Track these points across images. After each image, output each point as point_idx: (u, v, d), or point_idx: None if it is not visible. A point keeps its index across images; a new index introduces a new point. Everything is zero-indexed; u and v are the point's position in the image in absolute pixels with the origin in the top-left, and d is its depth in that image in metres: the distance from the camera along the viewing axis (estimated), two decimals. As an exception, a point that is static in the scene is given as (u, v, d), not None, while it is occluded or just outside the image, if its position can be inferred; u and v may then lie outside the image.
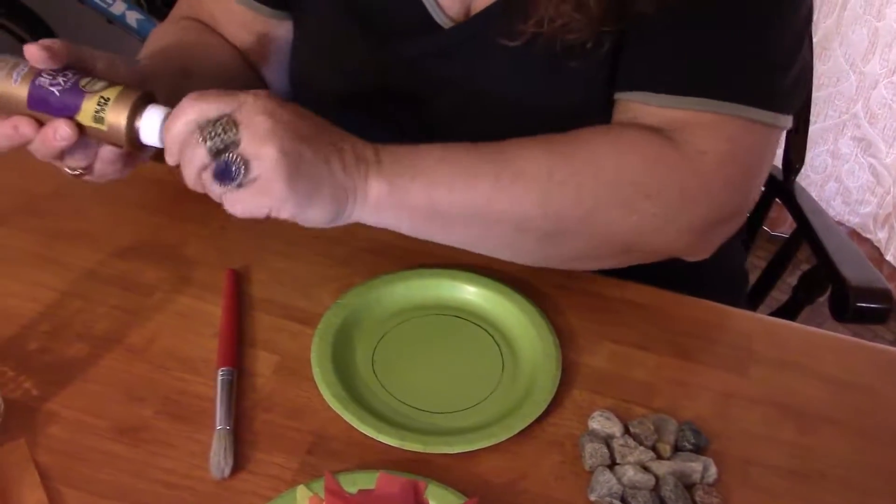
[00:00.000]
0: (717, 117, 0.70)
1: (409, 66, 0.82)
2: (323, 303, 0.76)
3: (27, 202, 0.85)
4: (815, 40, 0.76)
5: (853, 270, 0.98)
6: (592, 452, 0.66)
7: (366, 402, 0.69)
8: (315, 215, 0.66)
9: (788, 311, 1.12)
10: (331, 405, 0.67)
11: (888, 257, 2.18)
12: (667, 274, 0.78)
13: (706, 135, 0.70)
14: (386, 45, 0.83)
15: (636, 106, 0.73)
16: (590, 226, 0.71)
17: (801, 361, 0.76)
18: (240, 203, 0.64)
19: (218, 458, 0.63)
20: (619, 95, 0.75)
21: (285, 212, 0.65)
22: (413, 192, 0.68)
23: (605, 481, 0.64)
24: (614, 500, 0.63)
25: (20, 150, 0.67)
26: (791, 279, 1.16)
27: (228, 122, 0.62)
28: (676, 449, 0.68)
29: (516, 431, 0.67)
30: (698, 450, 0.68)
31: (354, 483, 0.62)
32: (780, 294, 1.37)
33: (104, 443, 0.65)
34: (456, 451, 0.65)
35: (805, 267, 1.10)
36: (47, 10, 2.02)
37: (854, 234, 2.27)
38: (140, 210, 0.85)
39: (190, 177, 0.64)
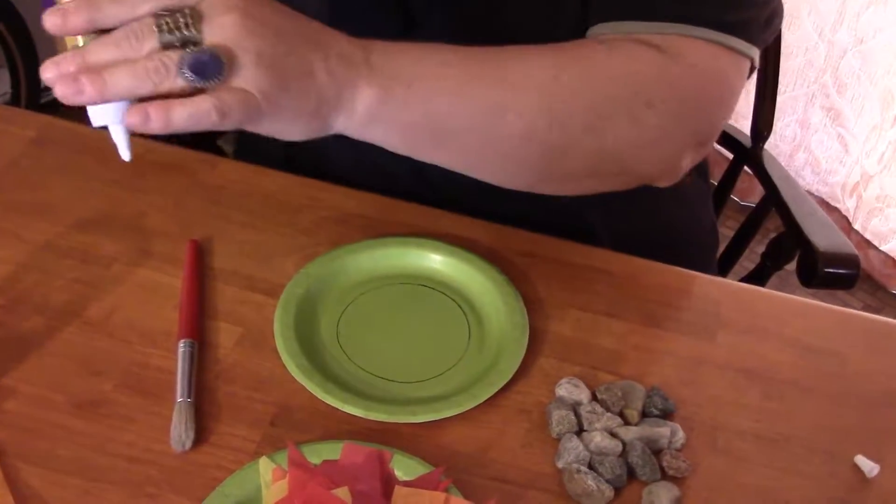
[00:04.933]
0: (700, 42, 0.68)
1: None
2: (286, 273, 0.75)
3: (-19, 174, 0.83)
4: (784, 8, 0.75)
5: (821, 236, 0.98)
6: (559, 420, 0.65)
7: (330, 372, 0.68)
8: (292, 130, 0.58)
9: (756, 277, 1.12)
10: (294, 376, 0.66)
11: (856, 226, 2.20)
12: (637, 235, 0.77)
13: (695, 51, 0.68)
14: None
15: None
16: (594, 137, 0.66)
17: (769, 326, 0.76)
18: (191, 106, 0.53)
19: (179, 431, 0.62)
20: (600, 27, 0.70)
21: (256, 126, 0.56)
22: (409, 102, 0.60)
23: (572, 448, 0.64)
24: (582, 467, 0.63)
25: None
26: (759, 248, 1.16)
27: (191, 15, 0.51)
28: (644, 415, 0.67)
29: (483, 400, 0.66)
30: (666, 415, 0.67)
31: (318, 454, 0.61)
32: (748, 263, 1.37)
33: (63, 417, 0.64)
34: (421, 421, 0.65)
35: (773, 236, 1.10)
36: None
37: (823, 203, 2.28)
38: (98, 181, 0.83)
39: (111, 61, 0.52)
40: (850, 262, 0.95)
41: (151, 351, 0.69)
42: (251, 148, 0.81)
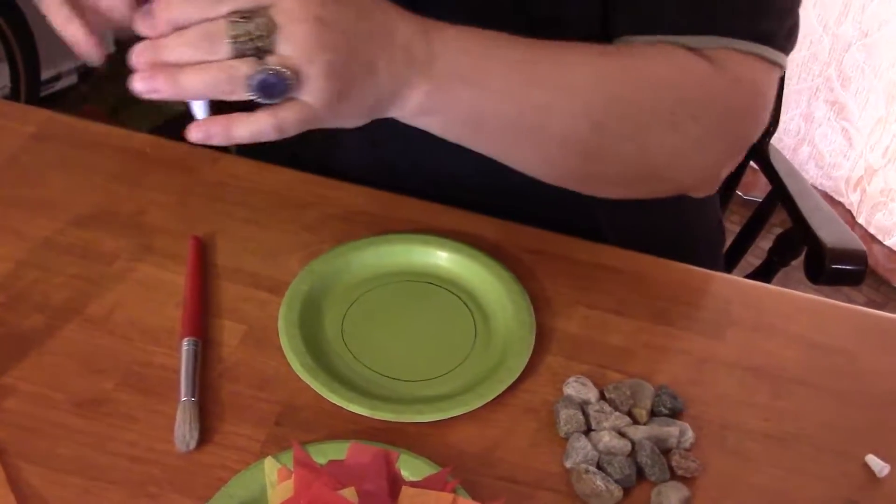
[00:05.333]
0: (741, 54, 0.68)
1: None
2: (291, 270, 0.74)
3: (-19, 169, 0.82)
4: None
5: (828, 232, 0.97)
6: (567, 419, 0.65)
7: (335, 371, 0.67)
8: (342, 125, 0.58)
9: (762, 274, 1.11)
10: (299, 375, 0.66)
11: (860, 220, 2.19)
12: (644, 232, 0.77)
13: (737, 64, 0.68)
14: None
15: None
16: (635, 143, 0.67)
17: (778, 324, 0.75)
18: (252, 125, 0.54)
19: (183, 431, 0.61)
20: (642, 39, 0.69)
21: (310, 125, 0.56)
22: (460, 99, 0.60)
23: (580, 448, 0.63)
24: (590, 467, 0.62)
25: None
26: (763, 243, 1.15)
27: (266, 24, 0.50)
28: (653, 414, 0.66)
29: (489, 399, 0.65)
30: (675, 414, 0.67)
31: (324, 454, 0.60)
32: (753, 258, 1.36)
33: (64, 416, 0.63)
34: (428, 420, 0.64)
35: (778, 231, 1.09)
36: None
37: (826, 197, 2.27)
38: (99, 177, 0.82)
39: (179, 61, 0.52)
40: (858, 258, 0.95)
41: (153, 349, 0.68)
42: (255, 145, 0.79)
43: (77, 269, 0.73)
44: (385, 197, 0.82)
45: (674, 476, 0.63)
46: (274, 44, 0.51)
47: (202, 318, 0.70)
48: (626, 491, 0.62)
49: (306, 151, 0.81)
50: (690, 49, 0.67)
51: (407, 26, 0.58)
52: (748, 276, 1.09)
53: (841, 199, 2.25)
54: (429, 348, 0.70)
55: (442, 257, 0.76)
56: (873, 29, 2.02)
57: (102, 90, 2.32)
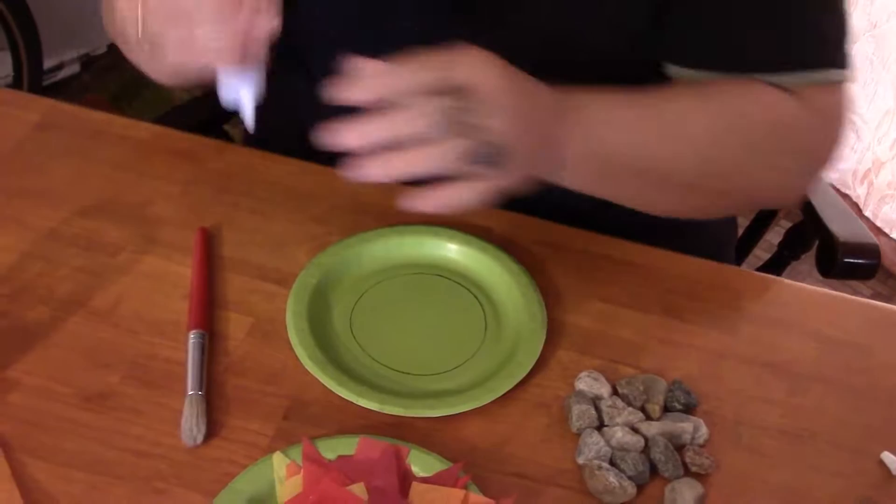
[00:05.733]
0: (822, 85, 0.72)
1: None
2: (298, 262, 0.73)
3: (-16, 159, 0.81)
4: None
5: (840, 225, 0.96)
6: (580, 414, 0.64)
7: (344, 364, 0.66)
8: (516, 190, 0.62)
9: (772, 267, 1.10)
10: (307, 368, 0.65)
11: (867, 213, 2.18)
12: (656, 226, 0.76)
13: (821, 95, 0.72)
14: None
15: None
16: (738, 182, 0.72)
17: (792, 319, 0.74)
18: (467, 190, 0.57)
19: (190, 425, 0.61)
20: (703, 75, 0.72)
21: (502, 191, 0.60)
22: (595, 161, 0.66)
23: (593, 444, 0.62)
24: (603, 463, 0.61)
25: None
26: (769, 236, 1.14)
27: (471, 109, 0.54)
28: (666, 409, 0.66)
29: (501, 394, 0.64)
30: (688, 410, 0.66)
31: (333, 449, 0.60)
32: (761, 252, 1.35)
33: (69, 410, 0.62)
34: (438, 415, 0.63)
35: (786, 224, 1.08)
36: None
37: (833, 189, 2.26)
38: (104, 166, 0.81)
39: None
40: (871, 252, 0.93)
41: (159, 342, 0.67)
42: (264, 135, 0.78)
43: (82, 261, 0.72)
44: (395, 188, 0.80)
45: (687, 472, 0.62)
46: (481, 118, 0.55)
47: (208, 311, 0.69)
48: (640, 488, 0.61)
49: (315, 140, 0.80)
50: (777, 85, 0.71)
51: (566, 105, 0.63)
52: (758, 270, 1.08)
53: (848, 192, 2.24)
54: (439, 342, 0.69)
55: (452, 250, 0.75)
56: (882, 20, 2.01)
57: (105, 79, 2.30)
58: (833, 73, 0.71)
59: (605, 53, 0.74)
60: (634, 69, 0.72)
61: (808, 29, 0.71)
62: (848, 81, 0.73)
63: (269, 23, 0.58)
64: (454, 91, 0.55)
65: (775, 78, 0.71)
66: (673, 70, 0.74)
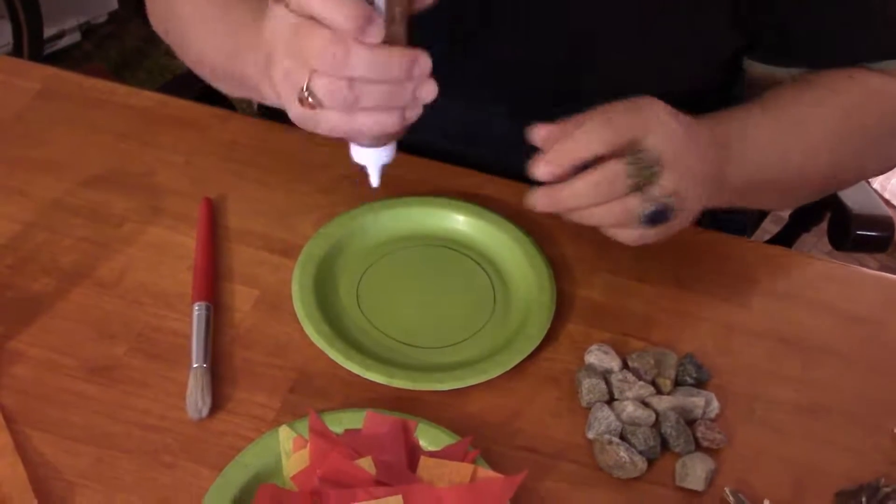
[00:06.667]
0: None
1: None
2: (304, 234, 0.72)
3: (-15, 128, 0.80)
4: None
5: (854, 197, 0.94)
6: (590, 388, 0.63)
7: (351, 337, 0.65)
8: None
9: (782, 239, 1.09)
10: (314, 341, 0.64)
11: (875, 185, 2.16)
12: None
13: None
14: None
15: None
16: (857, 173, 0.79)
17: (805, 292, 0.73)
18: (640, 238, 0.61)
19: (195, 398, 0.60)
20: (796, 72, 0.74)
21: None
22: (744, 188, 0.68)
23: (603, 418, 0.61)
24: (613, 438, 0.60)
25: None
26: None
27: (656, 160, 0.57)
28: (677, 383, 0.65)
29: (509, 367, 0.64)
30: (700, 384, 0.65)
31: (340, 422, 0.59)
32: (770, 225, 1.34)
33: (74, 383, 0.61)
34: (446, 389, 0.62)
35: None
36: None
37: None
38: (107, 136, 0.79)
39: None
40: (884, 224, 0.92)
41: (165, 313, 0.66)
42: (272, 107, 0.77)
43: (86, 232, 0.71)
44: (401, 158, 0.79)
45: (699, 447, 0.61)
46: (657, 177, 0.57)
47: (213, 283, 0.68)
48: (651, 462, 0.60)
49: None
50: (886, 73, 0.73)
51: (715, 150, 0.64)
52: (768, 242, 1.07)
53: (856, 164, 2.22)
54: (447, 315, 0.68)
55: (460, 221, 0.73)
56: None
57: (106, 48, 2.28)
58: None
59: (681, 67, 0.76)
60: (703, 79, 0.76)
61: None
62: None
63: (429, 96, 0.55)
64: (636, 148, 0.57)
65: (876, 65, 0.72)
66: (760, 69, 0.76)
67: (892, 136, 0.75)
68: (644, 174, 0.56)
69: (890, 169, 0.80)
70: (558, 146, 0.57)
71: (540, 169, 0.57)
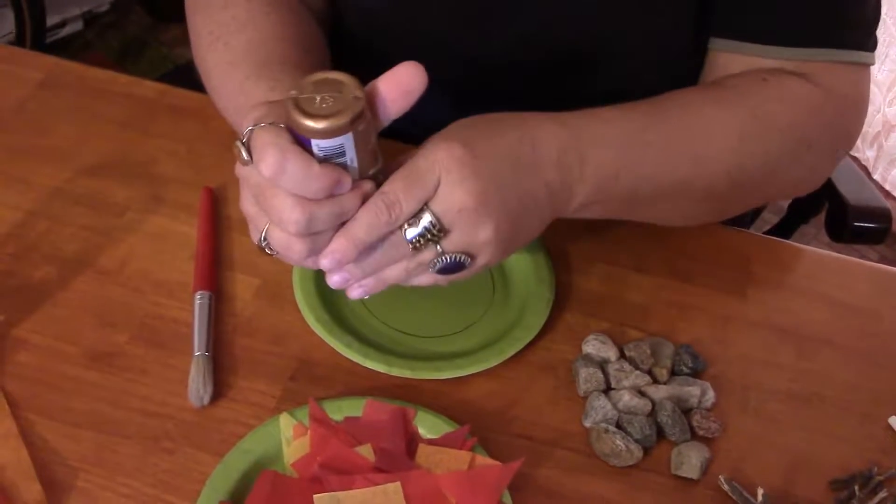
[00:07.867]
0: (845, 67, 0.70)
1: None
2: (304, 223, 0.72)
3: (-12, 117, 0.80)
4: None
5: (851, 189, 0.95)
6: (587, 377, 0.63)
7: (351, 326, 0.66)
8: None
9: (781, 230, 1.09)
10: (314, 330, 0.64)
11: (875, 176, 2.16)
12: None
13: (843, 80, 0.70)
14: None
15: (755, 59, 0.70)
16: (764, 186, 0.70)
17: (801, 283, 0.73)
18: (438, 281, 0.58)
19: (196, 385, 0.61)
20: (737, 46, 0.70)
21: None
22: (616, 192, 0.62)
23: (600, 407, 0.62)
24: (610, 426, 0.61)
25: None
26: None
27: (434, 223, 0.53)
28: (673, 373, 0.65)
29: (508, 356, 0.64)
30: (696, 374, 0.66)
31: (340, 410, 0.60)
32: (770, 215, 1.34)
33: (76, 370, 0.62)
34: (445, 377, 0.63)
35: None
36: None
37: (842, 152, 2.24)
38: (109, 125, 0.80)
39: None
40: (882, 215, 0.93)
41: (166, 302, 0.67)
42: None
43: (87, 220, 0.72)
44: (403, 149, 0.79)
45: (694, 436, 0.62)
46: (445, 232, 0.54)
47: (215, 272, 0.69)
48: (646, 451, 0.61)
49: None
50: (796, 74, 0.69)
51: (551, 145, 0.58)
52: (766, 233, 1.07)
53: (857, 155, 2.22)
54: (446, 304, 0.69)
55: (459, 211, 0.74)
56: (895, -21, 1.97)
57: (108, 37, 2.28)
58: (861, 55, 0.69)
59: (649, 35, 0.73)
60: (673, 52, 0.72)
61: (849, 8, 0.69)
62: (871, 64, 0.71)
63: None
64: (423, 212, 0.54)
65: (802, 52, 0.68)
66: (717, 44, 0.72)
67: (811, 150, 0.69)
68: (424, 238, 0.53)
69: (815, 182, 0.75)
70: (340, 235, 0.53)
71: (324, 262, 0.54)
